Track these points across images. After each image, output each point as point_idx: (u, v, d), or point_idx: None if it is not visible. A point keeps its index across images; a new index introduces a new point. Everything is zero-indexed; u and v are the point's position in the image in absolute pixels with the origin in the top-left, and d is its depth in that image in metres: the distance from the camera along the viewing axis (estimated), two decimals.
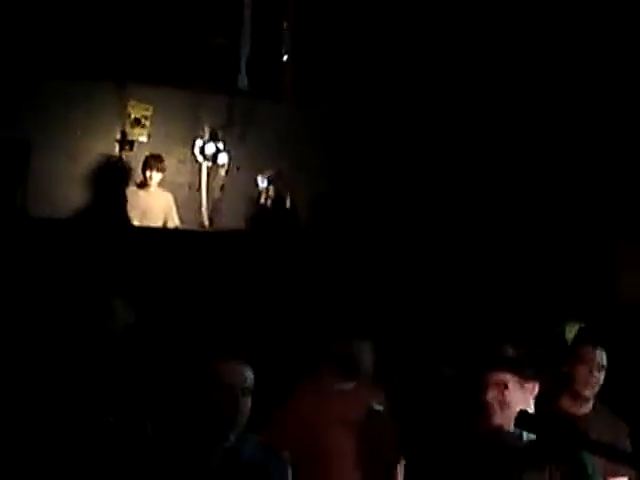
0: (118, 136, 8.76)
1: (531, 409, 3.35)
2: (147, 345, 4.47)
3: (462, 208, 8.77)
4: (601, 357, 4.44)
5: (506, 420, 3.30)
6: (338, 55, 9.39)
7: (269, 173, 8.42)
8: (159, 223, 8.52)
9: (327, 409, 4.06)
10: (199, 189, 9.09)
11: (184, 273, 6.49)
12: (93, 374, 3.96)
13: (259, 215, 8.41)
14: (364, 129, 9.22)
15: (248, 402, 3.30)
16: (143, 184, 8.54)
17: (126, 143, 8.73)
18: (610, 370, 4.51)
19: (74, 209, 8.14)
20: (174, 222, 8.64)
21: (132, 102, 8.79)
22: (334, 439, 4.02)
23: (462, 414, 4.13)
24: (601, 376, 4.43)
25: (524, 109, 8.80)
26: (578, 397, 4.41)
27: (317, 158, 9.13)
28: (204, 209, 9.05)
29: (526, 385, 3.37)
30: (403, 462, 4.22)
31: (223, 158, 9.04)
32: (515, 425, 3.19)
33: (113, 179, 8.52)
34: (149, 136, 8.87)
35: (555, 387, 3.39)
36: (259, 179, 8.43)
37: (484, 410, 3.33)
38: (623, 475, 3.85)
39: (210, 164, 9.07)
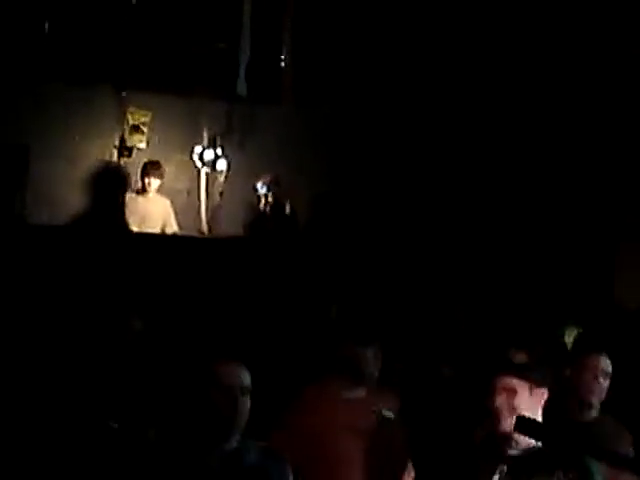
0: (117, 142, 8.75)
1: (539, 415, 3.33)
2: (148, 351, 4.45)
3: (462, 209, 8.76)
4: (606, 364, 4.43)
5: None
6: (337, 59, 9.39)
7: (268, 179, 8.40)
8: (157, 229, 8.52)
9: (335, 415, 4.03)
10: (198, 195, 9.09)
11: (183, 280, 6.47)
12: (97, 379, 3.95)
13: (258, 221, 8.39)
14: (364, 133, 9.21)
15: (247, 402, 3.32)
16: (142, 190, 8.54)
17: (125, 149, 8.73)
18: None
19: (73, 214, 8.10)
20: (172, 228, 8.63)
21: (131, 108, 8.79)
22: (342, 446, 3.99)
23: (466, 418, 4.11)
24: (606, 383, 4.42)
25: (524, 111, 8.80)
26: (583, 404, 4.40)
27: (317, 162, 9.13)
28: (203, 215, 9.05)
29: (535, 391, 3.34)
30: (412, 470, 4.18)
31: (222, 164, 9.04)
32: (514, 430, 3.19)
33: (112, 185, 8.49)
34: (148, 142, 8.86)
35: (559, 393, 3.37)
36: (258, 185, 8.41)
37: (492, 415, 3.30)
38: None
39: (209, 170, 9.06)
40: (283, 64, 9.60)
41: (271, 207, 8.42)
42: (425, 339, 5.79)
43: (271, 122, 9.25)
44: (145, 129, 8.81)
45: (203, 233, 8.92)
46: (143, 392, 4.10)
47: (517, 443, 3.28)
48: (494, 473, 3.28)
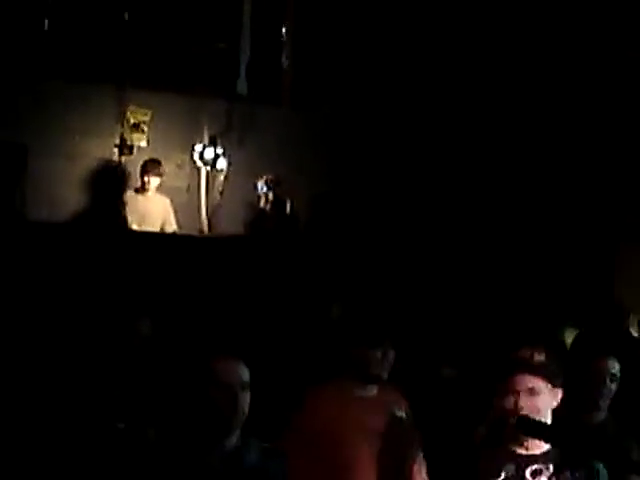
0: (117, 141, 8.74)
1: (549, 416, 3.32)
2: (151, 350, 4.44)
3: (462, 210, 8.76)
4: (614, 367, 4.43)
5: None
6: (337, 59, 9.38)
7: (268, 177, 8.39)
8: (157, 228, 8.51)
9: (347, 414, 4.00)
10: (198, 194, 9.08)
11: (183, 278, 6.46)
12: (100, 379, 3.94)
13: (258, 220, 8.38)
14: (364, 132, 9.21)
15: (247, 397, 3.33)
16: (141, 189, 8.53)
17: (125, 148, 8.72)
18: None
19: (72, 213, 8.10)
20: (172, 227, 8.63)
21: (131, 107, 8.78)
22: (354, 445, 3.97)
23: (467, 418, 4.10)
24: (613, 386, 4.41)
25: (524, 111, 8.81)
26: (591, 406, 4.39)
27: (317, 162, 9.12)
28: (203, 214, 9.04)
29: (554, 390, 3.32)
30: (425, 470, 4.16)
31: (222, 163, 9.03)
32: (517, 430, 3.18)
33: (112, 183, 8.50)
34: (148, 141, 8.85)
35: (567, 394, 3.35)
36: (258, 184, 8.40)
37: (504, 415, 3.27)
38: None
39: (209, 169, 9.05)
40: (283, 64, 9.58)
41: (271, 206, 8.41)
42: (426, 339, 5.78)
43: (271, 121, 9.24)
44: (145, 127, 8.81)
45: (203, 232, 8.91)
46: (144, 391, 4.09)
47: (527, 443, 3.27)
48: (500, 472, 3.26)
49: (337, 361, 4.18)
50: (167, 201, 8.67)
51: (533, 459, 3.29)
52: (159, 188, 8.60)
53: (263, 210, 8.40)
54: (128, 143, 8.72)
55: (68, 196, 8.37)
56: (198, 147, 9.00)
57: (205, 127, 9.03)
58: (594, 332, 5.89)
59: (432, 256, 7.90)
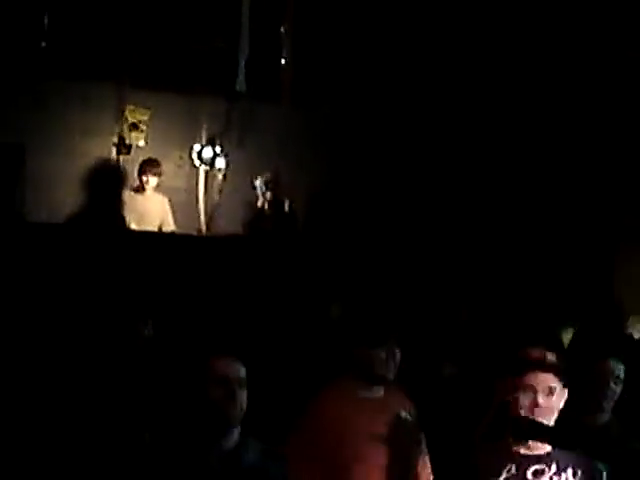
0: (116, 140, 8.73)
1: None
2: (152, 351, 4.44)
3: (462, 210, 8.76)
4: (618, 369, 4.42)
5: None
6: (337, 57, 9.37)
7: (267, 177, 8.38)
8: (155, 227, 8.51)
9: (352, 416, 3.98)
10: (196, 193, 9.07)
11: (182, 278, 6.45)
12: (102, 380, 3.93)
13: (257, 219, 8.37)
14: (363, 131, 9.20)
15: (244, 394, 3.34)
16: (139, 188, 8.53)
17: (124, 147, 8.70)
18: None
19: (71, 212, 8.10)
20: (170, 226, 8.62)
21: (130, 106, 8.77)
22: (358, 447, 3.95)
23: (468, 417, 4.09)
24: (618, 388, 4.41)
25: (523, 111, 8.81)
26: (596, 407, 4.38)
27: (316, 160, 9.12)
28: (201, 214, 9.02)
29: (563, 390, 3.31)
30: (430, 471, 4.15)
31: (221, 162, 9.01)
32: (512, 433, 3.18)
33: (110, 183, 8.50)
34: (147, 140, 8.84)
35: (572, 395, 3.34)
36: (257, 183, 8.39)
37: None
38: None
39: (208, 168, 9.04)
40: (282, 62, 9.57)
41: (270, 205, 8.41)
42: (426, 337, 5.77)
43: (270, 120, 9.22)
44: (144, 127, 8.79)
45: (201, 231, 8.90)
46: (145, 391, 4.09)
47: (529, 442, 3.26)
48: (501, 472, 3.25)
49: (339, 361, 4.17)
50: (166, 201, 8.68)
51: (535, 459, 3.27)
52: (157, 187, 8.60)
53: (262, 210, 8.39)
54: (126, 142, 8.71)
55: (67, 195, 8.37)
56: (197, 146, 8.99)
57: (204, 126, 9.02)
58: (594, 332, 5.88)
59: (432, 255, 7.89)
